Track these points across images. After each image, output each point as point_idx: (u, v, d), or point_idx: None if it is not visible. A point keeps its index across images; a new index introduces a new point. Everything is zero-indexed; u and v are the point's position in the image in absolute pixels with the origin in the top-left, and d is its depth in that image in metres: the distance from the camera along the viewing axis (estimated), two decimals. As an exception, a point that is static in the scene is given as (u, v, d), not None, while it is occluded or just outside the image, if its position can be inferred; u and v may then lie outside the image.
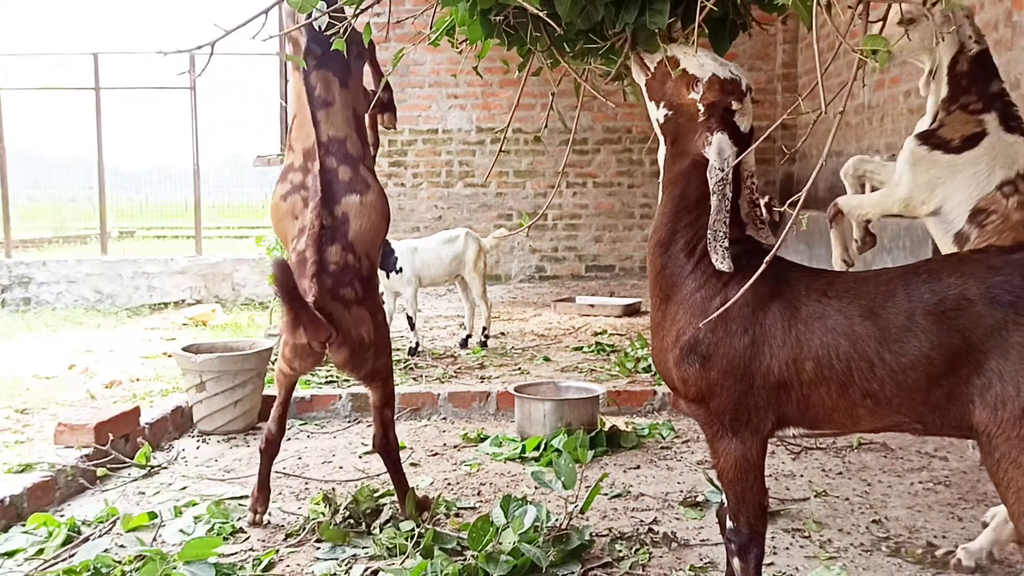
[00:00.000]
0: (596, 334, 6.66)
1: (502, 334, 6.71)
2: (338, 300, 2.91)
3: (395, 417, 3.28)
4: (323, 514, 3.10)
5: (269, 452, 3.22)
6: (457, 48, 2.67)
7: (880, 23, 2.09)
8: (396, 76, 9.60)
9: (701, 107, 2.12)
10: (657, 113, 2.22)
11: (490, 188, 9.85)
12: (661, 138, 2.24)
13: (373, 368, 3.06)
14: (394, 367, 3.30)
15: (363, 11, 2.44)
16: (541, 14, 2.09)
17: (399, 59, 2.81)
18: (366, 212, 3.01)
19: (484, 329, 6.24)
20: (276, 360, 5.25)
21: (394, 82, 3.01)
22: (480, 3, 2.17)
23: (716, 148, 2.07)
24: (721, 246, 2.04)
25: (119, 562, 2.72)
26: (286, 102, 9.75)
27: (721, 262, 2.04)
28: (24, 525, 3.10)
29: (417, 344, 5.91)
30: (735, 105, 2.11)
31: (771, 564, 2.78)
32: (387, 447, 3.18)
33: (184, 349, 4.52)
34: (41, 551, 2.91)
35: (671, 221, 2.19)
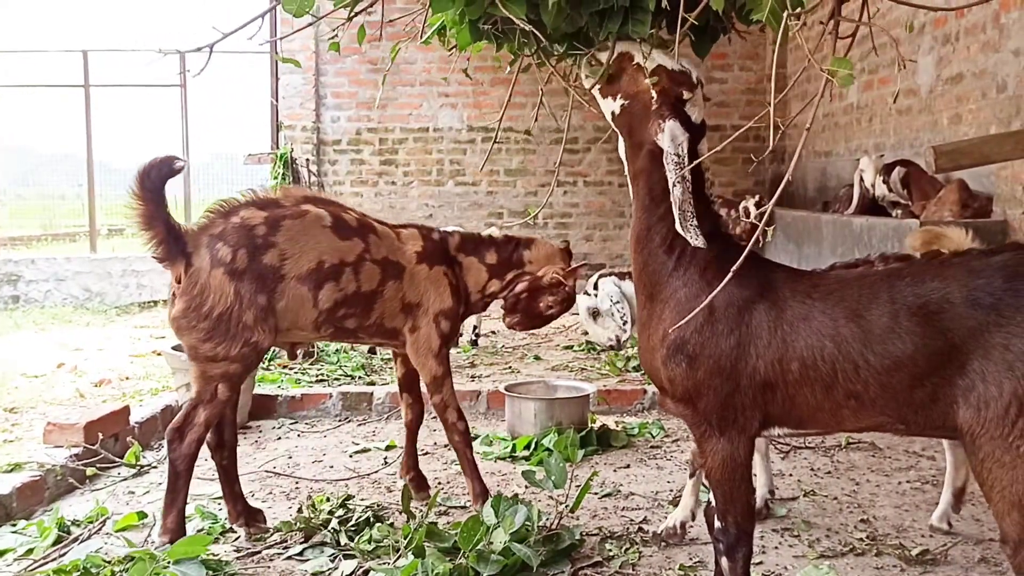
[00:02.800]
0: (586, 333, 6.67)
1: (492, 333, 6.71)
2: (216, 261, 2.79)
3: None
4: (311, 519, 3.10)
5: (216, 460, 3.10)
6: (448, 50, 2.69)
7: (849, 40, 2.14)
8: (388, 74, 9.59)
9: (654, 94, 2.16)
10: (613, 106, 2.26)
11: (481, 186, 9.85)
12: (617, 132, 2.29)
13: (199, 352, 2.80)
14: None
15: (359, 13, 2.45)
16: (526, 26, 2.13)
17: (395, 54, 2.82)
18: (302, 234, 2.91)
19: (475, 328, 6.24)
20: (267, 359, 5.26)
21: (390, 64, 3.01)
22: (468, 13, 2.20)
23: (669, 135, 2.12)
24: (691, 225, 2.10)
25: (109, 562, 2.71)
26: (277, 101, 9.73)
27: (695, 239, 2.10)
28: (14, 525, 3.10)
29: (408, 343, 5.91)
30: (686, 95, 2.15)
31: (760, 563, 2.80)
32: (175, 447, 2.82)
33: (174, 348, 4.50)
34: (31, 551, 2.90)
35: (644, 216, 2.23)
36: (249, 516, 3.10)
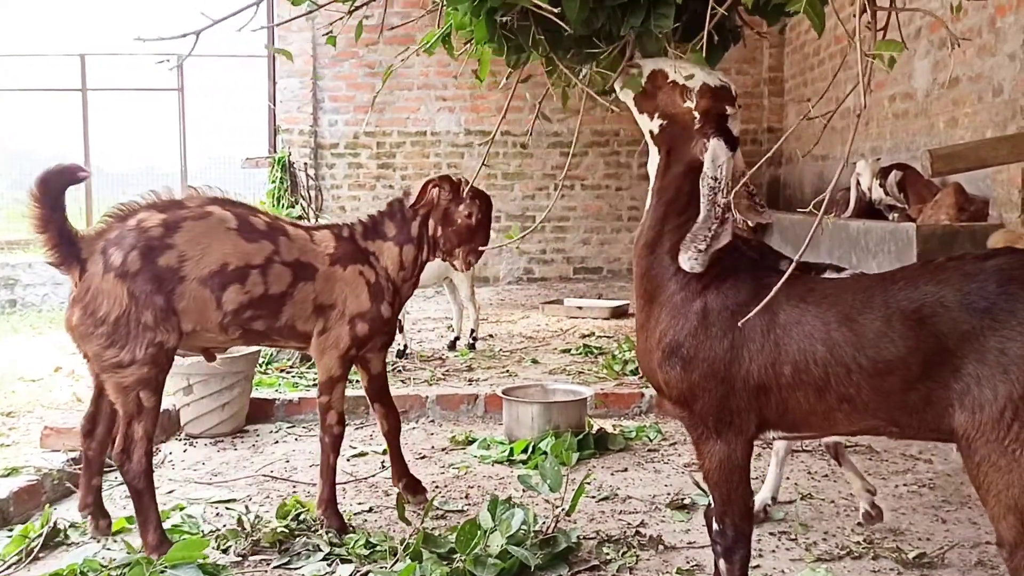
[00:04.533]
0: (584, 336, 6.67)
1: (490, 336, 6.71)
2: (108, 266, 2.78)
3: (152, 445, 2.91)
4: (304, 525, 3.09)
5: (83, 447, 3.08)
6: (456, 57, 2.69)
7: (883, 29, 2.14)
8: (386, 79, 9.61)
9: (697, 115, 2.15)
10: (651, 125, 2.24)
11: (478, 190, 9.87)
12: (654, 148, 2.27)
13: (103, 361, 2.79)
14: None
15: (359, 7, 2.44)
16: (552, 15, 2.09)
17: (388, 75, 2.83)
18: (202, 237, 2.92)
19: (472, 331, 6.25)
20: (264, 363, 5.26)
21: (383, 84, 3.02)
22: (489, 0, 2.17)
23: (712, 154, 2.12)
24: (696, 248, 2.08)
25: (105, 566, 2.71)
26: (274, 104, 9.74)
27: (689, 261, 2.08)
28: (10, 530, 3.09)
29: (405, 346, 5.92)
30: (729, 110, 2.16)
31: (757, 567, 2.80)
32: (126, 468, 2.83)
33: (171, 352, 4.49)
34: (29, 553, 2.89)
35: (660, 224, 2.23)
36: (98, 511, 3.09)
